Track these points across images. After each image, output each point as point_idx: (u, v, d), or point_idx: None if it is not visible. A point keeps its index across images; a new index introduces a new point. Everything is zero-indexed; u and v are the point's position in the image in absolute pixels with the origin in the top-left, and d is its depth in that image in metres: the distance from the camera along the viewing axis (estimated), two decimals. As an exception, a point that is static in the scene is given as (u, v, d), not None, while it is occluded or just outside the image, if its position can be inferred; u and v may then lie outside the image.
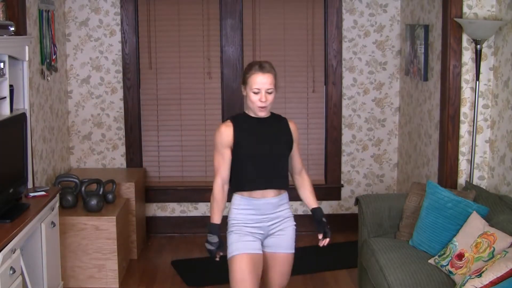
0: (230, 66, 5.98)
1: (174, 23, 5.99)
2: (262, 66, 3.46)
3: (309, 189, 3.65)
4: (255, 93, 3.41)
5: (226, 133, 3.45)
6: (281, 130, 3.54)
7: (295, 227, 3.58)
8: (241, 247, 3.42)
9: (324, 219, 3.57)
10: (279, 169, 3.50)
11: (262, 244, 3.51)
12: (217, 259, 3.48)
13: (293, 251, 3.57)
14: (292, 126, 3.59)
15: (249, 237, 3.46)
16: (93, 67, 5.95)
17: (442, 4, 4.67)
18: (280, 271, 3.56)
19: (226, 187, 3.50)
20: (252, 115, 3.50)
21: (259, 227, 3.48)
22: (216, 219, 3.46)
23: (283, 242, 3.53)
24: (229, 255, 3.45)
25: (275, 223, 3.51)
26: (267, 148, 3.46)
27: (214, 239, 3.43)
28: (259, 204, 3.46)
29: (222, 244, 3.45)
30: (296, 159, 3.62)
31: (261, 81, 3.40)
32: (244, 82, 3.49)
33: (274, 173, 3.48)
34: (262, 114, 3.46)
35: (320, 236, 3.57)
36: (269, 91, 3.42)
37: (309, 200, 3.64)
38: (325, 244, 3.58)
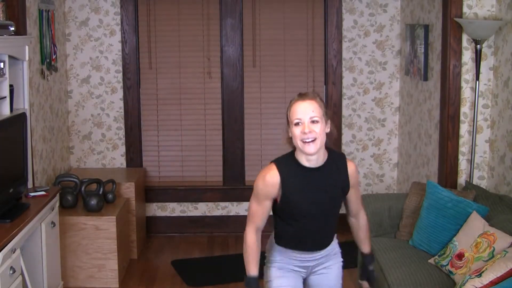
0: (230, 66, 5.98)
1: (174, 23, 5.99)
2: (301, 94, 2.92)
3: (364, 232, 3.25)
4: (296, 124, 2.85)
5: (270, 184, 2.92)
6: (337, 180, 3.00)
7: (342, 263, 3.24)
8: (280, 284, 3.09)
9: (371, 268, 3.25)
10: (327, 229, 3.10)
11: (305, 282, 3.20)
12: None
13: None
14: (350, 170, 3.03)
15: (291, 273, 3.11)
16: (93, 67, 5.95)
17: (442, 4, 4.67)
18: None
19: (260, 234, 3.06)
20: (305, 163, 2.94)
21: (302, 266, 3.13)
22: (253, 270, 3.03)
23: (328, 281, 3.18)
24: None
25: (320, 262, 3.15)
26: (318, 208, 2.98)
27: None
28: (300, 256, 3.12)
29: None
30: (353, 202, 3.15)
31: (300, 109, 2.85)
32: (288, 122, 2.92)
33: (322, 233, 3.09)
34: (311, 150, 2.85)
35: (366, 285, 3.28)
36: (314, 119, 2.84)
37: (362, 243, 3.26)
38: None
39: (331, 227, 3.13)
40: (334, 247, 3.21)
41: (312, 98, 2.88)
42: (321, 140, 2.87)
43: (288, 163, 2.95)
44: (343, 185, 3.04)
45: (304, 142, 2.84)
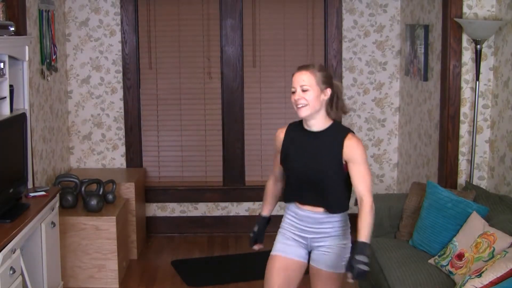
0: (230, 66, 5.98)
1: (174, 23, 5.99)
2: (300, 65, 3.28)
3: (362, 219, 3.13)
4: (292, 93, 3.22)
5: (277, 138, 3.42)
6: (333, 148, 3.20)
7: (345, 246, 3.29)
8: (278, 248, 3.38)
9: (358, 258, 3.07)
10: (321, 189, 3.23)
11: (310, 256, 3.36)
12: (255, 248, 3.55)
13: (337, 270, 3.30)
14: (347, 142, 3.18)
15: (291, 241, 3.36)
16: (93, 67, 5.95)
17: (442, 4, 4.67)
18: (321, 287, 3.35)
19: (280, 184, 3.54)
20: (305, 126, 3.29)
21: (301, 236, 3.34)
22: (263, 211, 3.56)
23: (327, 260, 3.29)
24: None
25: (319, 238, 3.30)
26: (309, 168, 3.23)
27: (254, 227, 3.54)
28: (301, 214, 3.32)
29: (261, 236, 3.52)
30: (354, 181, 3.20)
31: (295, 79, 3.21)
32: None
33: (315, 192, 3.25)
34: (302, 114, 3.19)
35: (349, 276, 3.12)
36: (304, 88, 3.17)
37: (358, 231, 3.15)
38: (351, 280, 3.14)
39: (329, 196, 3.25)
40: (336, 227, 3.29)
41: (307, 69, 3.21)
42: (312, 106, 3.18)
43: (297, 125, 3.38)
44: (337, 154, 3.20)
45: (297, 107, 3.21)
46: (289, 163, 3.31)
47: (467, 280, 3.24)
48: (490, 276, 3.16)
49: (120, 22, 5.90)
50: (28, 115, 4.25)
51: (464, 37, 4.52)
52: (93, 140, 6.05)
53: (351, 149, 3.17)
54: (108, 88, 6.00)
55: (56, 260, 4.37)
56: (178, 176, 6.17)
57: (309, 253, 3.37)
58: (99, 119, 6.02)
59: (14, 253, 3.49)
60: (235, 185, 6.11)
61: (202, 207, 6.15)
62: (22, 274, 3.71)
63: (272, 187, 3.54)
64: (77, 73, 5.95)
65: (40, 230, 4.04)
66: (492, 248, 3.49)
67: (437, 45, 4.85)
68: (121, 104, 6.01)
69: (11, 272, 3.40)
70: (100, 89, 5.99)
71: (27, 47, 4.30)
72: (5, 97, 4.02)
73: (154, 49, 6.00)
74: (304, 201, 3.30)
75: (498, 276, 3.14)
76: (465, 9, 4.50)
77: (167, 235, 6.12)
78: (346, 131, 3.23)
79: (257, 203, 6.11)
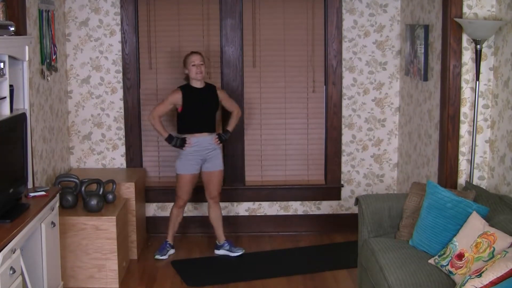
0: (230, 66, 5.98)
1: (174, 23, 5.99)
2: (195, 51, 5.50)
3: (232, 119, 5.59)
4: (193, 65, 5.41)
5: (176, 96, 5.45)
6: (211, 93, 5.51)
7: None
8: (187, 169, 5.44)
9: (224, 136, 5.53)
10: (210, 119, 5.52)
11: (203, 166, 5.48)
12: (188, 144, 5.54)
13: (222, 167, 5.57)
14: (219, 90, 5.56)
15: (193, 162, 5.43)
16: (93, 67, 5.95)
17: (442, 4, 4.67)
18: (214, 184, 5.56)
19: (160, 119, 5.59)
20: (195, 85, 5.49)
21: (200, 155, 5.43)
22: (165, 132, 5.50)
23: (217, 163, 5.51)
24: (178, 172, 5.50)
25: (211, 151, 5.46)
26: (203, 105, 5.42)
27: (176, 141, 5.50)
28: (200, 140, 5.42)
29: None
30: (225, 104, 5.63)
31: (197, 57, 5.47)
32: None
33: (207, 122, 5.49)
34: (200, 78, 5.46)
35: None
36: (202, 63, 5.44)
37: (228, 124, 5.61)
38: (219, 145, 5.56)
39: (213, 121, 5.53)
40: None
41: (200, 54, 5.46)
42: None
43: (186, 87, 5.46)
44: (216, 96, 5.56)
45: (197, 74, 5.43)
46: (191, 107, 5.34)
47: (467, 280, 3.24)
48: (490, 276, 3.16)
49: (120, 22, 5.90)
50: (28, 115, 4.25)
51: (464, 37, 4.52)
52: (93, 140, 6.05)
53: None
54: (108, 88, 5.99)
55: (56, 260, 4.38)
56: (178, 176, 6.16)
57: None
58: (99, 119, 6.02)
59: (14, 253, 3.49)
60: (235, 185, 6.11)
61: (202, 207, 6.14)
62: (22, 274, 3.72)
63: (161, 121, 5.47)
64: (77, 73, 5.95)
65: (40, 230, 4.04)
66: (492, 248, 3.49)
67: (437, 45, 4.85)
68: (121, 104, 6.01)
69: (11, 272, 3.40)
70: (100, 89, 5.99)
71: (27, 47, 4.30)
72: (5, 97, 4.02)
73: (154, 49, 6.00)
74: (200, 130, 5.40)
75: (498, 276, 3.14)
76: (465, 9, 4.50)
77: (167, 235, 6.10)
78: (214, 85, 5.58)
79: (257, 203, 6.11)
